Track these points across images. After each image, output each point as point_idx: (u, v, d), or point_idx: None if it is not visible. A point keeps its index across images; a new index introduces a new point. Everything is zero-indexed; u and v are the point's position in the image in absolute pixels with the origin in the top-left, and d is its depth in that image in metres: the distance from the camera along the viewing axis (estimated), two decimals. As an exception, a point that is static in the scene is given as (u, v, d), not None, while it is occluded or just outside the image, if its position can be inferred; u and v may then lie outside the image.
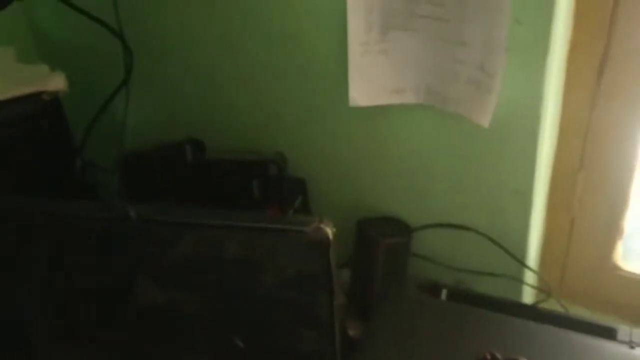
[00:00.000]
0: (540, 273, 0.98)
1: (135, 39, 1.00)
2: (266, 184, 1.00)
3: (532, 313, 0.86)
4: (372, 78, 0.88)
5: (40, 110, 0.93)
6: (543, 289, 0.97)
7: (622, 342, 0.78)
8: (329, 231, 0.70)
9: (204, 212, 0.74)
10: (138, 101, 1.05)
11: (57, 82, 0.94)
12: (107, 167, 0.98)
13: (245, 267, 0.74)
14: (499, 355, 0.75)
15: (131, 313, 0.77)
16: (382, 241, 0.98)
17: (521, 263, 0.93)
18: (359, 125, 0.95)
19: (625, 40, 0.83)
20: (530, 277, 0.97)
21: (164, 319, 0.77)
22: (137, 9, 1.00)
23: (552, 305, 0.97)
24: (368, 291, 1.01)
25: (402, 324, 0.85)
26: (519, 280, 0.96)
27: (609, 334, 0.80)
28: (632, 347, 0.77)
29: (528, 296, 0.99)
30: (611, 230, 0.97)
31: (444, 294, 0.89)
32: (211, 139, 1.03)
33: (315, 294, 0.73)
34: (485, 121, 0.83)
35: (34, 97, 0.92)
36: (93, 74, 1.03)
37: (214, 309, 0.76)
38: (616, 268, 0.99)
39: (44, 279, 0.80)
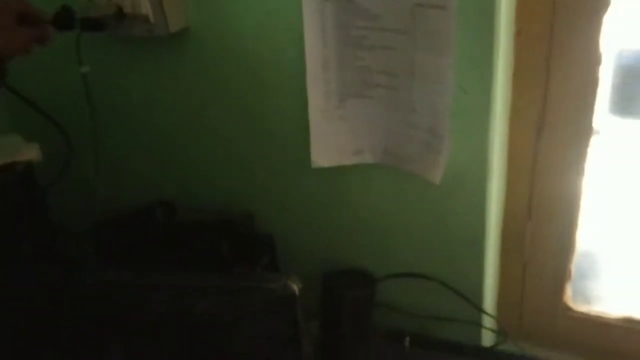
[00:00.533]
0: (497, 317, 1.04)
1: (105, 105, 1.05)
2: (235, 243, 1.04)
3: (490, 356, 0.92)
4: (332, 142, 0.94)
5: (14, 180, 0.96)
6: (500, 332, 1.03)
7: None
8: (295, 287, 0.76)
9: (174, 273, 0.79)
10: (109, 166, 1.09)
11: (30, 153, 0.97)
12: (81, 232, 1.02)
13: (214, 325, 0.79)
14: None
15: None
16: (346, 293, 1.03)
17: (478, 308, 0.99)
18: (322, 184, 1.01)
19: (559, 103, 0.92)
20: (488, 321, 1.03)
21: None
22: (106, 79, 1.05)
23: (509, 347, 1.03)
24: (336, 341, 1.05)
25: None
26: (478, 325, 1.01)
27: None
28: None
29: (487, 339, 1.04)
30: (560, 273, 1.04)
31: (407, 341, 0.94)
32: (181, 200, 1.07)
33: (284, 347, 0.77)
34: (436, 179, 0.90)
35: (7, 168, 0.96)
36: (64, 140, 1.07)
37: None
38: (567, 309, 1.06)
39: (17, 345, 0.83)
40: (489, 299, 1.04)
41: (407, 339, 0.94)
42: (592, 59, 0.86)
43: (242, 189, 1.08)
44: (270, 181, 1.05)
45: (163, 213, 1.05)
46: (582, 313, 1.06)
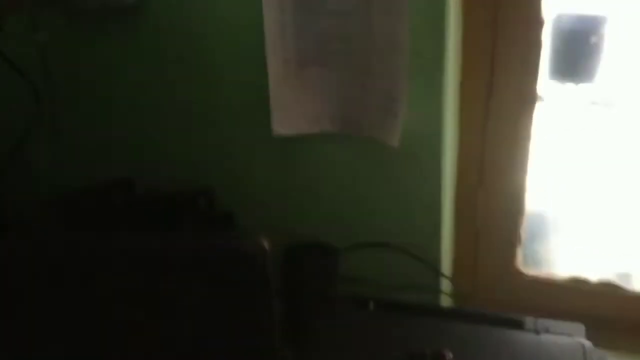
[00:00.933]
0: (454, 281, 1.08)
1: (59, 82, 1.03)
2: (195, 218, 1.03)
3: (451, 313, 0.95)
4: (292, 109, 0.96)
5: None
6: (458, 296, 1.06)
7: (529, 330, 0.88)
8: (265, 243, 0.76)
9: (145, 236, 0.78)
10: (61, 146, 1.07)
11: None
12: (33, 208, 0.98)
13: (185, 286, 0.78)
14: (427, 350, 0.82)
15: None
16: (308, 265, 1.04)
17: (437, 272, 1.02)
18: (282, 156, 1.03)
19: (506, 68, 0.97)
20: (446, 286, 1.06)
21: (113, 333, 0.79)
22: (61, 53, 1.03)
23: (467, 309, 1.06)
24: (300, 316, 1.05)
25: (334, 337, 0.91)
26: (437, 290, 1.04)
27: (517, 324, 0.89)
28: (538, 334, 0.87)
29: (446, 304, 1.07)
30: (511, 238, 1.08)
31: (371, 305, 0.95)
32: (140, 180, 1.06)
33: (255, 303, 0.77)
34: (394, 141, 0.93)
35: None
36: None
37: (158, 325, 0.78)
38: (518, 273, 1.10)
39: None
40: (446, 265, 1.07)
41: (372, 302, 0.95)
42: (535, 23, 0.91)
43: (201, 165, 1.07)
44: (231, 155, 1.05)
45: (120, 190, 1.03)
46: (532, 276, 1.11)
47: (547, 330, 0.88)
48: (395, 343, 0.86)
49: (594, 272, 1.08)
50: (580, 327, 0.88)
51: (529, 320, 0.90)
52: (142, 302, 0.79)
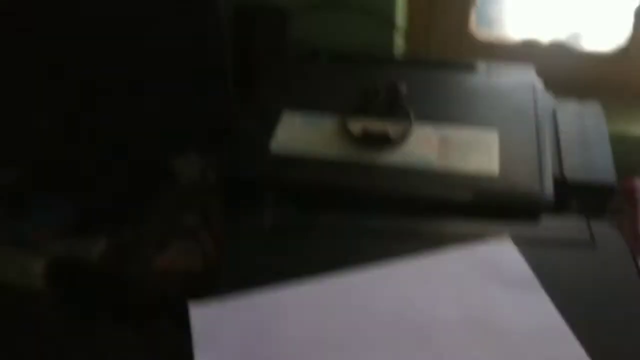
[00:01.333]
0: (409, 41, 1.06)
1: None
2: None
3: (405, 62, 0.94)
4: None
5: None
6: (412, 55, 1.06)
7: (481, 72, 0.89)
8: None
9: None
10: None
11: None
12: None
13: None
14: (380, 86, 0.81)
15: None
16: (259, 25, 1.01)
17: (391, 26, 1.00)
18: None
19: None
20: (400, 46, 1.05)
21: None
22: None
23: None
24: (251, 71, 1.02)
25: (285, 85, 0.89)
26: (391, 48, 1.03)
27: (470, 68, 0.89)
28: (489, 77, 0.88)
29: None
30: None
31: (323, 56, 0.93)
32: None
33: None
34: None
35: None
36: None
37: (107, 46, 0.76)
38: (472, 35, 1.09)
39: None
40: (401, 25, 1.05)
41: (324, 54, 0.93)
42: None
43: None
44: None
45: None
46: (485, 39, 1.10)
47: (498, 74, 0.89)
48: (348, 86, 0.85)
49: (546, 34, 1.09)
50: (530, 68, 0.89)
51: (481, 65, 0.90)
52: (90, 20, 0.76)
